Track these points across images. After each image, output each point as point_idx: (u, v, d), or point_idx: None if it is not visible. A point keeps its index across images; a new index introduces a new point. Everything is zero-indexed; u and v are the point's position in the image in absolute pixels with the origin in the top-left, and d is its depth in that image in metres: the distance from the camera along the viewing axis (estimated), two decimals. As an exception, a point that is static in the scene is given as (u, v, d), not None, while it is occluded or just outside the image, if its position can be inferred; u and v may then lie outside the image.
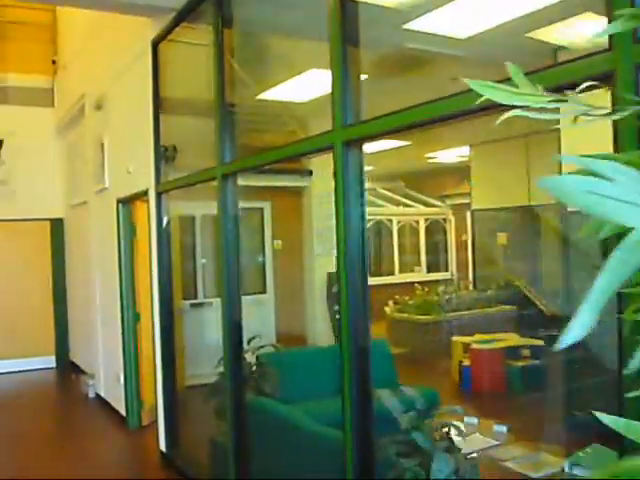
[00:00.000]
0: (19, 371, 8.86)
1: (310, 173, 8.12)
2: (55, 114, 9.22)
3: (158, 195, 4.98)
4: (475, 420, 4.61)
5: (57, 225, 9.42)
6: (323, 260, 8.35)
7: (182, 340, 6.35)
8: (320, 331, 8.26)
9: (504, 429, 4.48)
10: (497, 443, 4.25)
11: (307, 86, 5.95)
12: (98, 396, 7.27)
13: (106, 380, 6.98)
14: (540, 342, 7.27)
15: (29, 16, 9.10)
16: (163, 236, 4.97)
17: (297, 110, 7.09)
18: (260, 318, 7.56)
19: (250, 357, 4.64)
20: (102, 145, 6.59)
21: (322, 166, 8.35)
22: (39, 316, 9.24)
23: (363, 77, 2.74)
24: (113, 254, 6.25)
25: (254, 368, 4.63)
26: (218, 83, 3.88)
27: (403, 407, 2.71)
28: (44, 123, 9.20)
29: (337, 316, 8.49)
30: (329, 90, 2.69)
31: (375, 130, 2.55)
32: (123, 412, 6.23)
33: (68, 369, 8.94)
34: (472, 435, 4.37)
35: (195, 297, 7.83)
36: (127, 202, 6.05)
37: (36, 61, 9.23)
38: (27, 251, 9.24)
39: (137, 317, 6.14)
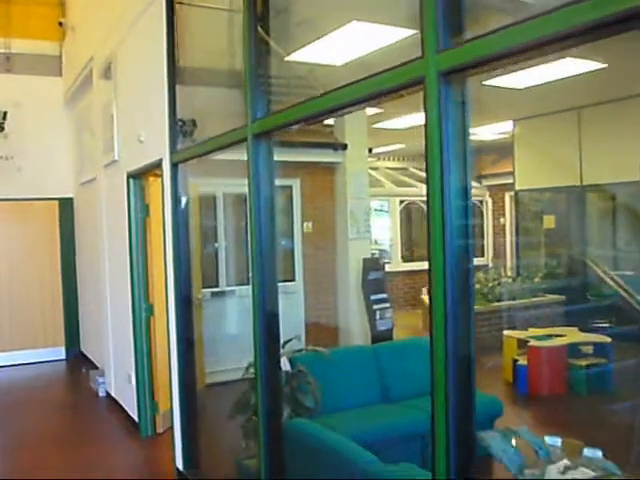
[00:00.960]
0: (27, 363, 8.17)
1: (344, 147, 7.26)
2: (63, 83, 8.42)
3: (174, 167, 4.16)
4: (558, 441, 3.77)
5: (66, 205, 8.66)
6: (357, 244, 7.52)
7: (201, 334, 5.59)
8: (355, 323, 7.44)
9: (598, 454, 3.61)
10: (598, 476, 3.39)
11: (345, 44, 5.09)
12: (109, 395, 6.53)
13: (117, 378, 6.23)
14: (607, 339, 6.38)
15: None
16: (180, 216, 4.16)
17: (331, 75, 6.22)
18: (288, 308, 6.75)
19: (283, 362, 3.84)
20: (111, 113, 5.79)
21: (357, 139, 7.51)
22: (48, 304, 8.53)
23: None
24: (123, 237, 5.47)
25: (288, 375, 3.84)
26: (248, 25, 3.03)
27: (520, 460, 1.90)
28: (51, 93, 8.41)
29: (375, 307, 7.70)
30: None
31: (489, 51, 1.68)
32: (135, 416, 5.48)
33: (79, 361, 8.23)
34: (560, 463, 3.55)
35: (216, 285, 7.04)
36: (139, 176, 5.23)
37: (42, 25, 8.43)
38: (34, 234, 8.50)
39: (150, 309, 5.35)
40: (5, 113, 8.18)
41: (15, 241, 8.39)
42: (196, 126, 4.32)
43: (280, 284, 7.74)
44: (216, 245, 7.12)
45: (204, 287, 6.53)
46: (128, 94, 5.45)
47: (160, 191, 4.45)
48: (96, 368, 7.22)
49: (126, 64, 5.47)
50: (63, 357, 8.52)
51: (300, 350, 4.04)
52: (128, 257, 5.36)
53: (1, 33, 8.27)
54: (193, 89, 4.50)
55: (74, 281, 8.60)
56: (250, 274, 3.30)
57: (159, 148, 4.37)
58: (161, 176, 4.38)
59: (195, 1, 4.55)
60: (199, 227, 5.98)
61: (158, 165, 4.42)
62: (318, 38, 4.93)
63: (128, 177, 5.29)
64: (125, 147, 5.47)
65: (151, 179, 5.29)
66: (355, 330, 7.41)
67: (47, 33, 8.49)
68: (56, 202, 8.63)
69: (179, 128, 4.18)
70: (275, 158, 3.06)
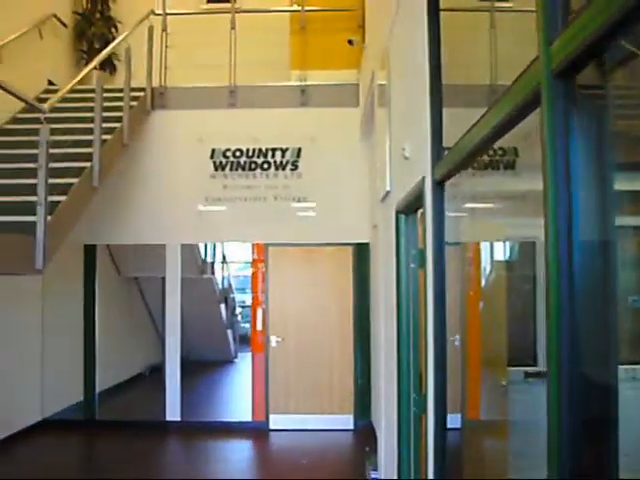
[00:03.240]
0: (311, 430, 7.22)
1: None
2: (360, 113, 7.47)
3: (437, 185, 2.55)
4: None
5: (361, 251, 7.61)
6: None
7: (505, 435, 3.76)
8: None
9: None
10: None
11: None
12: (383, 495, 5.04)
13: (386, 470, 4.71)
14: None
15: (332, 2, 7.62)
16: (442, 260, 2.52)
17: None
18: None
19: None
20: (384, 138, 4.44)
21: None
22: (337, 363, 7.51)
23: None
24: (391, 297, 4.00)
25: None
26: None
27: None
28: (347, 126, 7.51)
29: None
30: None
31: None
32: None
33: (366, 436, 6.96)
34: None
35: (533, 362, 5.07)
36: (409, 211, 3.73)
37: (340, 53, 7.66)
38: (324, 283, 7.61)
39: (422, 404, 3.73)
40: (299, 150, 7.52)
41: (304, 292, 7.61)
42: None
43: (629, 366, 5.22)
44: (532, 307, 5.18)
45: (512, 364, 4.65)
46: (397, 112, 4.04)
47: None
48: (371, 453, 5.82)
49: (396, 81, 4.09)
50: (351, 427, 7.36)
51: None
52: (395, 326, 3.86)
53: (296, 66, 7.73)
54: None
55: (367, 340, 7.43)
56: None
57: (421, 163, 2.81)
58: (421, 202, 2.79)
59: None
60: (505, 282, 4.19)
61: (421, 188, 2.86)
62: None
63: (397, 213, 3.83)
64: (394, 174, 4.05)
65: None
66: None
67: (344, 60, 7.70)
68: (350, 248, 7.65)
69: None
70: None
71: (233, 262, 13.61)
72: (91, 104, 5.92)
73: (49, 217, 4.64)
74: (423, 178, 2.75)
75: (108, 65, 8.70)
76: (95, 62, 6.21)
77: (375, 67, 5.11)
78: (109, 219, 7.47)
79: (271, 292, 7.57)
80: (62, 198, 5.00)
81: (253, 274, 7.61)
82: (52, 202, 4.85)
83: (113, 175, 7.23)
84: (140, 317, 10.98)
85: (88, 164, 5.62)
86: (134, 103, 7.01)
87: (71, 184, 5.25)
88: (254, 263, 7.61)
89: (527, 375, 4.87)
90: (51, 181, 4.88)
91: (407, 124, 3.41)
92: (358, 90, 7.53)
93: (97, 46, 8.27)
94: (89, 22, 8.50)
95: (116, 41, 6.97)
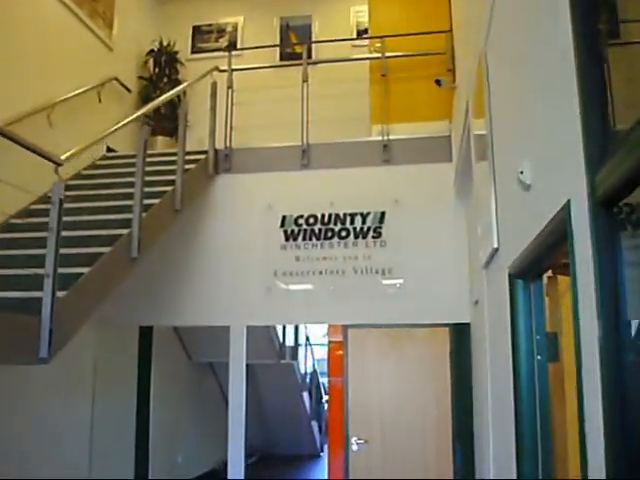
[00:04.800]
0: None
1: None
2: (454, 168, 6.32)
3: (602, 208, 1.34)
4: None
5: (460, 333, 6.26)
6: None
7: None
8: None
9: None
10: None
11: None
12: None
13: None
14: None
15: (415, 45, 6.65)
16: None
17: None
18: None
19: None
20: (489, 189, 3.24)
21: None
22: (434, 473, 6.06)
23: None
24: (506, 387, 2.70)
25: None
26: None
27: None
28: (439, 184, 6.36)
29: None
30: None
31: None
32: None
33: None
34: None
35: None
36: (530, 276, 2.48)
37: (423, 103, 6.63)
38: (414, 372, 6.28)
39: None
40: (382, 214, 6.40)
41: (390, 383, 6.30)
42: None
43: None
44: None
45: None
46: (504, 129, 2.86)
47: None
48: None
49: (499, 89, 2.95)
50: None
51: None
52: (513, 440, 2.53)
53: (377, 119, 6.74)
54: None
55: (469, 446, 5.96)
56: None
57: (561, 181, 1.62)
58: (556, 251, 1.56)
59: None
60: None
61: (563, 223, 1.64)
62: None
63: (511, 278, 2.59)
64: (504, 222, 2.81)
65: (562, 281, 2.48)
66: None
67: (433, 110, 6.65)
68: (446, 329, 6.33)
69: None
70: None
71: (318, 345, 12.44)
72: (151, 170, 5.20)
73: (63, 293, 3.73)
74: (567, 203, 1.54)
75: (174, 131, 8.10)
76: (141, 111, 5.45)
77: (469, 93, 3.99)
78: (167, 297, 6.57)
79: (351, 384, 6.31)
80: (84, 270, 4.09)
81: (329, 361, 6.40)
82: (72, 274, 3.96)
83: (170, 248, 6.41)
84: (214, 406, 9.93)
85: (125, 231, 4.75)
86: (191, 166, 6.22)
87: (100, 254, 4.36)
88: (331, 348, 6.41)
89: None
90: (75, 250, 4.00)
91: (524, 137, 2.23)
92: (450, 142, 6.40)
93: (163, 111, 7.67)
94: (155, 87, 7.97)
95: (167, 95, 6.25)
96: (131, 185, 5.31)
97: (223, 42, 8.71)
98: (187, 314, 6.61)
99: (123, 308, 6.50)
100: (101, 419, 6.61)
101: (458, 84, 5.68)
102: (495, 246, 2.92)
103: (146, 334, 6.80)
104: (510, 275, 2.49)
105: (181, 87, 6.32)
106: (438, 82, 5.77)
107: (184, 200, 5.80)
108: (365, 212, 6.42)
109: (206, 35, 8.77)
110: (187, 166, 6.14)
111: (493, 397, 3.62)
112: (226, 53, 7.35)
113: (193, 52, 8.74)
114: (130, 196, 5.06)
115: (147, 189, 5.58)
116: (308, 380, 11.92)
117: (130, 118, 5.44)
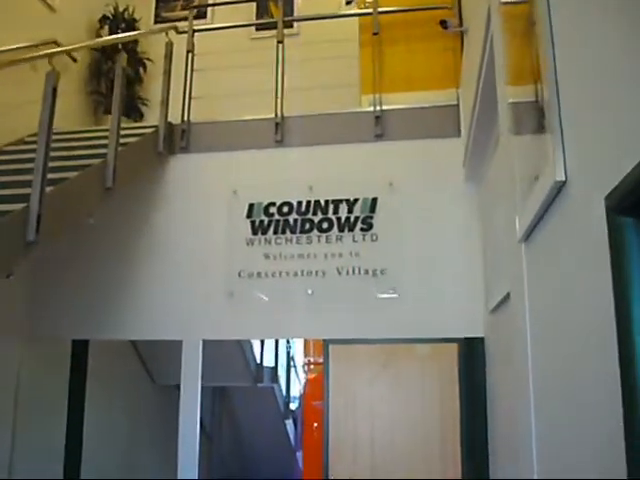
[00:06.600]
0: None
1: None
2: (463, 146, 5.05)
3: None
4: None
5: (471, 349, 4.95)
6: None
7: None
8: None
9: None
10: None
11: None
12: None
13: None
14: None
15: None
16: None
17: None
18: None
19: None
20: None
21: None
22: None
23: None
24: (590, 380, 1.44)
25: None
26: None
27: None
28: (445, 163, 5.12)
29: None
30: None
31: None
32: None
33: None
34: None
35: None
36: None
37: (424, 68, 5.41)
38: (415, 398, 4.98)
39: None
40: (374, 201, 5.14)
41: (383, 413, 4.99)
42: None
43: None
44: None
45: None
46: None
47: None
48: None
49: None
50: None
51: None
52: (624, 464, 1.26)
53: (368, 89, 5.50)
54: None
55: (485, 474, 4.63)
56: None
57: None
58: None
59: None
60: None
61: None
62: None
63: (610, 217, 1.33)
64: (579, 146, 1.56)
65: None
66: None
67: (436, 77, 5.43)
68: (454, 346, 5.03)
69: None
70: None
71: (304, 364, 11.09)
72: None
73: None
74: None
75: (133, 110, 6.87)
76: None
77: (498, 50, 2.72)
78: (105, 306, 5.29)
79: (332, 414, 5.00)
80: None
81: (305, 385, 5.08)
82: None
83: (110, 245, 5.18)
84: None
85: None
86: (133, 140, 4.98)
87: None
88: (307, 369, 5.09)
89: None
90: None
91: None
92: (458, 113, 5.16)
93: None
94: (108, 58, 6.75)
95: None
96: (54, 159, 4.06)
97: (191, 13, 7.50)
98: (130, 326, 5.32)
99: (51, 319, 5.25)
100: (22, 456, 5.31)
101: (468, 30, 4.43)
102: (560, 178, 1.66)
103: (80, 350, 5.49)
104: (609, 211, 1.25)
105: (119, 36, 5.08)
106: (444, 23, 4.53)
107: (119, 179, 4.54)
108: (352, 199, 5.15)
109: (172, 2, 7.58)
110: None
111: (538, 418, 2.32)
112: (195, 22, 6.16)
113: (157, 22, 7.55)
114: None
115: (72, 163, 4.39)
116: (296, 406, 10.53)
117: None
